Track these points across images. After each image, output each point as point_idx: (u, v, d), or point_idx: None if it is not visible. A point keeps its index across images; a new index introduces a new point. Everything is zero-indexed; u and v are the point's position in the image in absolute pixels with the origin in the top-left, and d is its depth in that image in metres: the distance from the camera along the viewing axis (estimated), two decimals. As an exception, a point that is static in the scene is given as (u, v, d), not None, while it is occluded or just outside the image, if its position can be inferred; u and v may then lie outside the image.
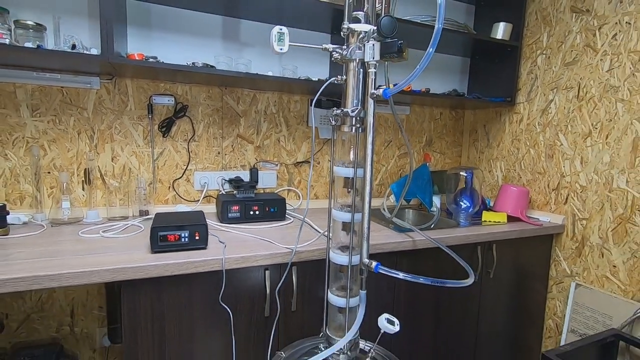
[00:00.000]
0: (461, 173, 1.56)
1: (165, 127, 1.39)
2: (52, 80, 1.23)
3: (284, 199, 1.36)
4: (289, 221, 1.35)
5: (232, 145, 1.51)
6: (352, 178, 0.66)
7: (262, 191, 1.57)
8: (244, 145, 1.54)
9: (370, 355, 0.75)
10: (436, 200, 1.73)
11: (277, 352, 0.80)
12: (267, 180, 1.58)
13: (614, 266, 1.34)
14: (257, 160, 1.56)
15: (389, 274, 0.65)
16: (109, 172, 1.34)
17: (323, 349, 0.73)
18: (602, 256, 1.38)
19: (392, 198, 1.66)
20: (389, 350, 1.03)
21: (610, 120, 1.36)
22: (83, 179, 1.31)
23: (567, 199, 1.50)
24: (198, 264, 0.92)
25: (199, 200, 1.46)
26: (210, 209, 1.48)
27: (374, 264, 0.64)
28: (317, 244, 1.07)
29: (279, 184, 1.62)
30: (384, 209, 1.63)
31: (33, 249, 0.94)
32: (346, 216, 0.68)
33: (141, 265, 0.86)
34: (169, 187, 1.43)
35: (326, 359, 0.71)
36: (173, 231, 0.95)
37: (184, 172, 1.44)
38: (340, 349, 0.70)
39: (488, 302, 1.43)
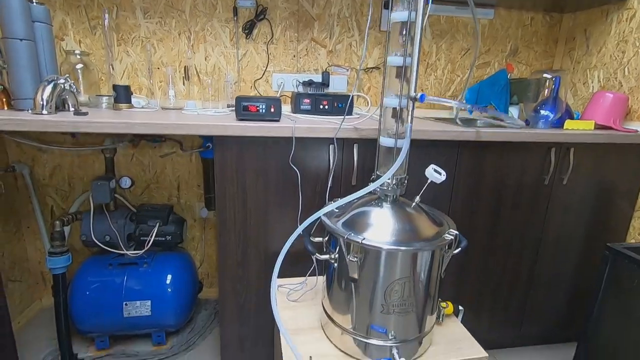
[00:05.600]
0: (545, 75, 1.44)
1: (248, 29, 1.53)
2: (158, -15, 1.43)
3: (352, 96, 1.44)
4: (356, 116, 1.44)
5: (307, 49, 1.61)
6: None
7: (332, 94, 1.67)
8: (317, 49, 1.62)
9: (415, 201, 0.84)
10: (514, 111, 1.64)
11: (329, 201, 0.93)
12: (338, 84, 1.66)
13: None
14: (329, 64, 1.65)
15: (438, 102, 0.71)
16: (203, 70, 1.56)
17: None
18: None
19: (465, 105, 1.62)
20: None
21: None
22: (183, 75, 1.55)
23: (677, 104, 1.31)
24: (272, 129, 1.07)
25: (276, 99, 1.62)
26: (285, 109, 1.63)
27: (419, 94, 0.69)
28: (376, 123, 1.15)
29: (349, 90, 1.69)
30: (453, 117, 1.60)
31: (150, 115, 1.19)
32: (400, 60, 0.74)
33: (229, 125, 1.05)
34: (251, 87, 1.61)
35: (374, 190, 0.82)
36: (253, 102, 1.12)
37: (264, 73, 1.60)
38: (387, 182, 0.80)
39: (558, 210, 1.38)
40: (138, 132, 1.02)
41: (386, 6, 1.60)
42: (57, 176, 1.55)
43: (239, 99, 1.11)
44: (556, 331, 1.54)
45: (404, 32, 0.72)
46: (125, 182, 1.39)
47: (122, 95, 1.30)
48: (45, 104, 1.05)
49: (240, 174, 1.13)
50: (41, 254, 1.62)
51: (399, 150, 0.78)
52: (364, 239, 0.73)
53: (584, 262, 1.46)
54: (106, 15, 1.38)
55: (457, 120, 1.47)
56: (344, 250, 0.76)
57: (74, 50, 1.36)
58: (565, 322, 1.53)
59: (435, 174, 0.82)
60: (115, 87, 1.29)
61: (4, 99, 1.13)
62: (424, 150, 1.19)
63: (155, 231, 1.40)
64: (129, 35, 1.48)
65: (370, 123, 1.20)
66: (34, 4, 1.13)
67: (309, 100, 1.41)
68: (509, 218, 1.35)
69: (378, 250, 0.73)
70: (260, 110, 1.12)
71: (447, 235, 0.77)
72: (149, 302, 1.36)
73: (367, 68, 1.68)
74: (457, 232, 0.78)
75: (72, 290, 1.34)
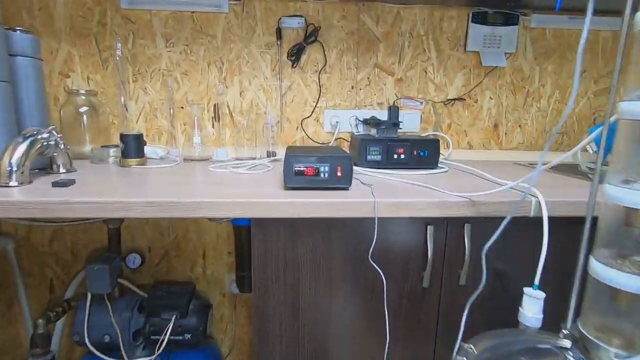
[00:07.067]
0: None
1: (295, 56, 1.19)
2: (184, 5, 1.13)
3: (438, 140, 1.04)
4: (444, 169, 1.03)
5: (369, 78, 1.24)
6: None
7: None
8: (382, 78, 1.25)
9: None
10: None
11: (464, 344, 0.52)
12: (408, 122, 1.27)
13: None
14: (397, 96, 1.26)
15: None
16: (237, 108, 1.22)
17: (566, 355, 0.42)
18: None
19: (592, 147, 1.17)
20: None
21: None
22: (213, 115, 1.22)
23: None
24: (341, 206, 0.69)
25: (329, 143, 1.25)
26: (341, 154, 1.25)
27: None
28: (504, 195, 0.74)
29: (423, 128, 1.30)
30: (582, 165, 1.15)
31: (165, 177, 0.85)
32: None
33: (273, 201, 0.68)
34: (297, 128, 1.25)
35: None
36: (311, 163, 0.74)
37: (314, 109, 1.24)
38: None
39: None
40: (137, 217, 0.66)
41: (476, 19, 1.21)
42: (58, 242, 1.25)
43: (290, 157, 0.73)
44: None
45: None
46: (134, 261, 1.05)
47: (132, 148, 0.97)
48: (14, 169, 0.73)
49: (291, 271, 0.75)
50: (37, 337, 1.30)
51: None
52: None
53: None
54: (119, 45, 1.09)
55: (589, 174, 1.03)
56: None
57: (77, 90, 1.07)
58: None
59: None
60: (122, 138, 0.97)
61: (-28, 161, 0.83)
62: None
63: (171, 327, 1.03)
64: (147, 68, 1.18)
65: (480, 185, 0.79)
66: (17, 32, 0.83)
67: (378, 149, 1.02)
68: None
69: None
70: (322, 175, 0.75)
71: None
72: None
73: (447, 100, 1.28)
74: None
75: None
